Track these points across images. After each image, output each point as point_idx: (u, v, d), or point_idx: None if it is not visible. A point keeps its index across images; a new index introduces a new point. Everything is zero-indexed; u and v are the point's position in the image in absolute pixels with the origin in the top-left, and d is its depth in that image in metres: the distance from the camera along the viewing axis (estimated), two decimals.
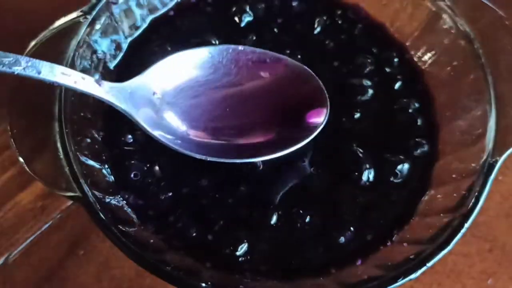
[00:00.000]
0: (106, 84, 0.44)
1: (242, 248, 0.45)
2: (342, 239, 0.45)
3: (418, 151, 0.50)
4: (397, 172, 0.49)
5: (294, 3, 0.58)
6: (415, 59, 0.55)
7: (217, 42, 0.55)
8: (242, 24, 0.57)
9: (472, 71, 0.48)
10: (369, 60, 0.55)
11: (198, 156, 0.45)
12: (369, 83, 0.53)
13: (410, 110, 0.52)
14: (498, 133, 0.44)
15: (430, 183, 0.48)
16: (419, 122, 0.51)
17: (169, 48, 0.53)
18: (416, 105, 0.52)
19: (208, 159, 0.45)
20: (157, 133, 0.45)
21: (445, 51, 0.52)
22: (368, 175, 0.48)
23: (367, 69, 0.54)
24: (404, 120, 0.52)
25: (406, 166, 0.49)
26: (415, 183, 0.49)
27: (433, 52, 0.53)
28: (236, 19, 0.57)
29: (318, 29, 0.57)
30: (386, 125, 0.52)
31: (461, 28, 0.49)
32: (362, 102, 0.52)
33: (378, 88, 0.53)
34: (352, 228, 0.46)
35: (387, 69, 0.55)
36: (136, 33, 0.55)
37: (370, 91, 0.53)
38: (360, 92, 0.53)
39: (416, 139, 0.50)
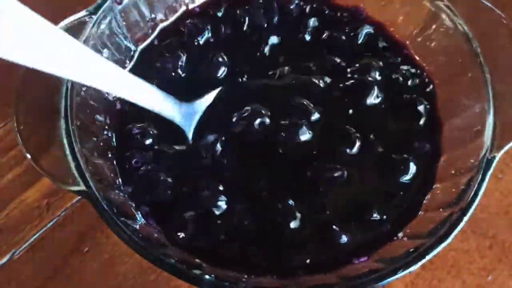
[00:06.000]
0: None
1: (246, 247, 0.46)
2: (344, 238, 0.46)
3: (421, 150, 0.51)
4: (401, 171, 0.49)
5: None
6: (414, 59, 0.56)
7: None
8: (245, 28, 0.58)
9: (471, 70, 0.49)
10: (368, 61, 0.55)
11: None
12: (369, 84, 0.54)
13: (409, 111, 0.53)
14: (496, 130, 0.45)
15: (435, 180, 0.49)
16: (420, 121, 0.52)
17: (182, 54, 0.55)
18: (417, 105, 0.53)
19: None
20: None
21: (443, 50, 0.53)
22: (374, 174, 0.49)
23: (368, 69, 0.55)
24: (405, 120, 0.53)
25: (410, 165, 0.49)
26: (420, 181, 0.49)
27: (431, 52, 0.54)
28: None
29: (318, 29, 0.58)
30: (387, 126, 0.52)
31: (460, 28, 0.50)
32: (363, 104, 0.53)
33: (379, 90, 0.54)
34: (357, 227, 0.47)
35: (387, 70, 0.55)
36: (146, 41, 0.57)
37: (373, 92, 0.53)
38: (361, 94, 0.53)
39: (419, 138, 0.51)
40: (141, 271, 0.52)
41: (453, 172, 0.46)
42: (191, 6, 0.60)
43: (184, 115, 0.50)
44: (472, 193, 0.42)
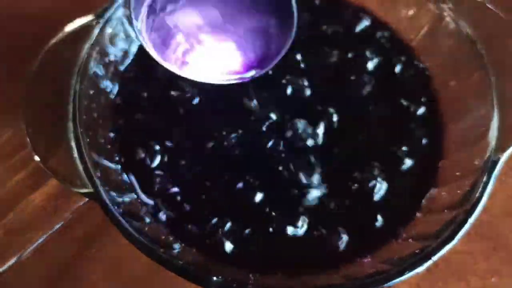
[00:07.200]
0: None
1: (251, 246, 0.46)
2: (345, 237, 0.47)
3: (423, 149, 0.51)
4: (402, 171, 0.50)
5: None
6: (419, 61, 0.56)
7: None
8: None
9: (475, 72, 0.49)
10: (373, 61, 0.56)
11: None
12: (372, 83, 0.55)
13: (413, 111, 0.53)
14: (501, 132, 0.45)
15: (435, 181, 0.49)
16: (423, 122, 0.52)
17: None
18: (421, 106, 0.53)
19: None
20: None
21: (448, 52, 0.53)
22: (373, 176, 0.49)
23: (371, 69, 0.56)
24: (408, 120, 0.53)
25: (410, 164, 0.50)
26: (419, 181, 0.50)
27: (436, 54, 0.55)
28: None
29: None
30: (390, 125, 0.53)
31: (464, 30, 0.50)
32: (366, 103, 0.54)
33: (382, 89, 0.55)
34: (358, 226, 0.47)
35: (392, 71, 0.56)
36: None
37: (373, 91, 0.54)
38: (364, 93, 0.54)
39: (421, 138, 0.52)
40: (148, 273, 0.52)
41: (458, 173, 0.47)
42: None
43: None
44: (478, 194, 0.42)
